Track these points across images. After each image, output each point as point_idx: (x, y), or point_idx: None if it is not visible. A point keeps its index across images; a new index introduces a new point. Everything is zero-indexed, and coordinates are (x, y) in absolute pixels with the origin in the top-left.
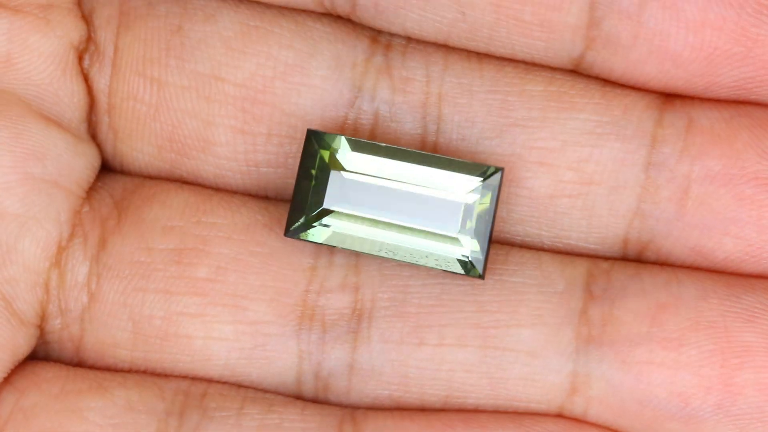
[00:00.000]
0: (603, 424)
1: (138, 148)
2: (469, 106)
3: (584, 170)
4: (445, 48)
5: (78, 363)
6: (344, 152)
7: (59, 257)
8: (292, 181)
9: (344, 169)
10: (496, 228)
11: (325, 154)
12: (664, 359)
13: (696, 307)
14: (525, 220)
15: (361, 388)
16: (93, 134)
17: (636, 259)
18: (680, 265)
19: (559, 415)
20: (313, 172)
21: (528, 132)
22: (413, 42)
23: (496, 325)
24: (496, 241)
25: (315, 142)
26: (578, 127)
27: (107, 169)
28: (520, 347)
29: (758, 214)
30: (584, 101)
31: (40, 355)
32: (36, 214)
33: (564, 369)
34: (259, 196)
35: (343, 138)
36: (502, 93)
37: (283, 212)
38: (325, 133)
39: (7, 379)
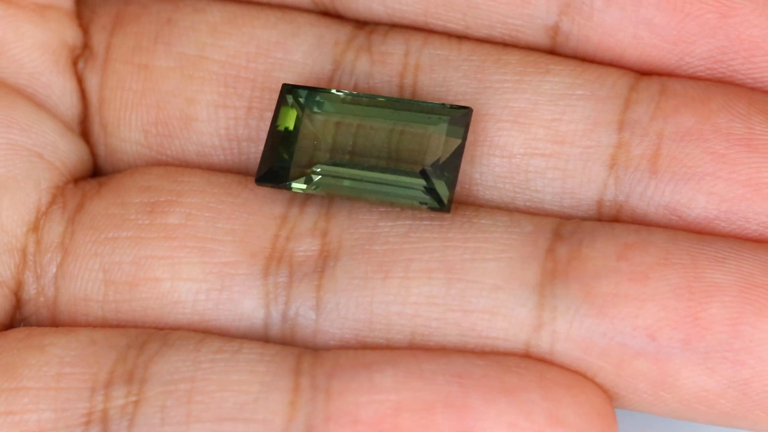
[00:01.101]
0: (571, 365)
1: (126, 138)
2: (444, 72)
3: (557, 129)
4: (426, 31)
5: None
6: (316, 101)
7: (37, 223)
8: None
9: (316, 117)
10: (469, 193)
11: (298, 103)
12: (630, 291)
13: (665, 247)
14: (499, 181)
15: (327, 329)
16: (86, 139)
17: (611, 221)
18: (655, 226)
19: (526, 355)
20: (286, 121)
21: (501, 93)
22: (396, 27)
23: (462, 259)
24: (469, 203)
25: (289, 95)
26: (552, 88)
27: (100, 173)
28: (485, 280)
29: (730, 169)
30: (559, 68)
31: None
32: (16, 176)
33: (529, 302)
34: (241, 174)
35: (315, 90)
36: (479, 60)
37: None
38: (298, 86)
39: None
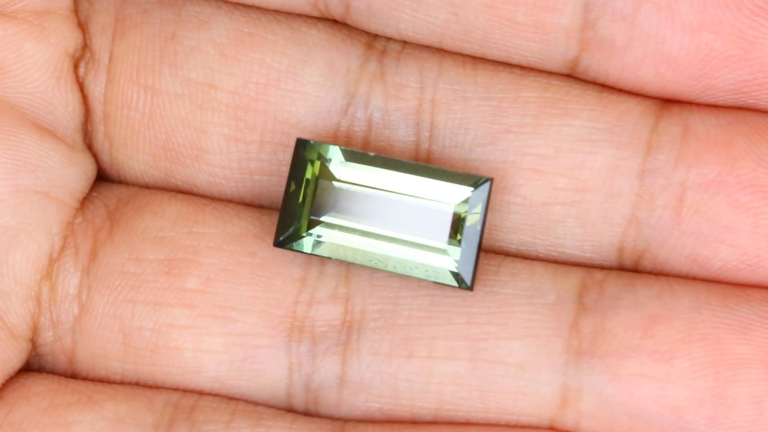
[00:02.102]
0: None
1: (133, 157)
2: (462, 112)
3: (578, 177)
4: (440, 52)
5: (71, 375)
6: (334, 161)
7: (50, 269)
8: None
9: (334, 179)
10: (490, 237)
11: (315, 164)
12: (656, 372)
13: (689, 319)
14: (519, 229)
15: (351, 401)
16: (89, 143)
17: (632, 268)
18: (676, 274)
19: (551, 428)
20: (303, 181)
21: (521, 139)
22: (408, 47)
23: (486, 337)
24: (490, 250)
25: (304, 151)
26: (572, 133)
27: (105, 178)
28: (510, 360)
29: (754, 222)
30: (579, 107)
31: (34, 367)
32: (27, 226)
33: (554, 382)
34: (253, 205)
35: (332, 147)
36: (496, 99)
37: (275, 221)
38: (314, 142)
39: None
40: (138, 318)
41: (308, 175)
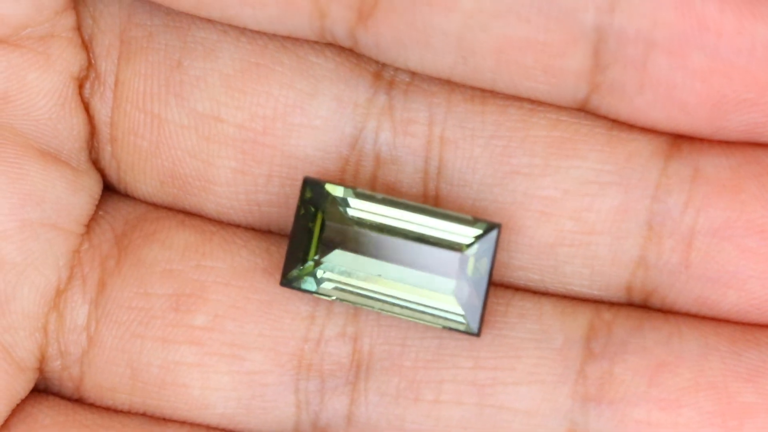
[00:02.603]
0: None
1: (141, 181)
2: (470, 151)
3: (586, 220)
4: (449, 85)
5: (78, 399)
6: (341, 201)
7: (57, 300)
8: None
9: (341, 220)
10: (497, 273)
11: (322, 204)
12: (662, 420)
13: (696, 366)
14: (526, 267)
15: None
16: (95, 160)
17: (641, 304)
18: (685, 313)
19: None
20: (309, 221)
21: (529, 180)
22: (417, 78)
23: (493, 382)
24: (498, 284)
25: (312, 191)
26: (581, 175)
27: (111, 189)
28: (516, 405)
29: (763, 267)
30: (588, 148)
31: (40, 387)
32: (34, 261)
33: (561, 428)
34: (262, 231)
35: (340, 187)
36: (505, 138)
37: (284, 253)
38: (322, 181)
39: (4, 423)
40: (146, 354)
41: (315, 215)
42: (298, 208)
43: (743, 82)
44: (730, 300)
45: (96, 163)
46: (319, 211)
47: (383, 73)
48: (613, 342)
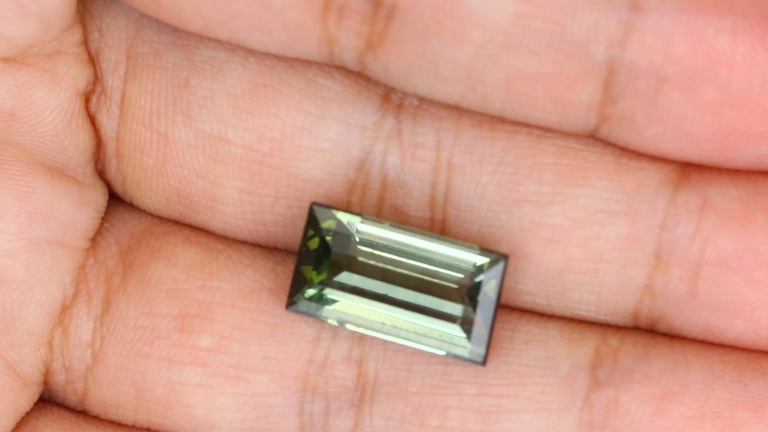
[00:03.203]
0: None
1: (147, 196)
2: (478, 177)
3: (594, 248)
4: (457, 110)
5: (82, 410)
6: (348, 228)
7: (62, 317)
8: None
9: (347, 246)
10: (504, 297)
11: (329, 229)
12: None
13: (702, 395)
14: (533, 293)
15: None
16: (101, 171)
17: (648, 329)
18: (692, 339)
19: None
20: (316, 246)
21: (537, 208)
22: (425, 103)
23: (498, 410)
24: (504, 307)
25: (318, 216)
26: (589, 204)
27: (117, 198)
28: None
29: None
30: (596, 176)
31: (45, 397)
32: (40, 279)
33: None
34: (269, 248)
35: (347, 214)
36: (513, 166)
37: (290, 273)
38: (329, 207)
39: None
40: (150, 374)
41: (322, 240)
42: (305, 232)
43: (754, 116)
44: (736, 329)
45: (102, 175)
46: (325, 236)
47: (391, 96)
48: (619, 370)
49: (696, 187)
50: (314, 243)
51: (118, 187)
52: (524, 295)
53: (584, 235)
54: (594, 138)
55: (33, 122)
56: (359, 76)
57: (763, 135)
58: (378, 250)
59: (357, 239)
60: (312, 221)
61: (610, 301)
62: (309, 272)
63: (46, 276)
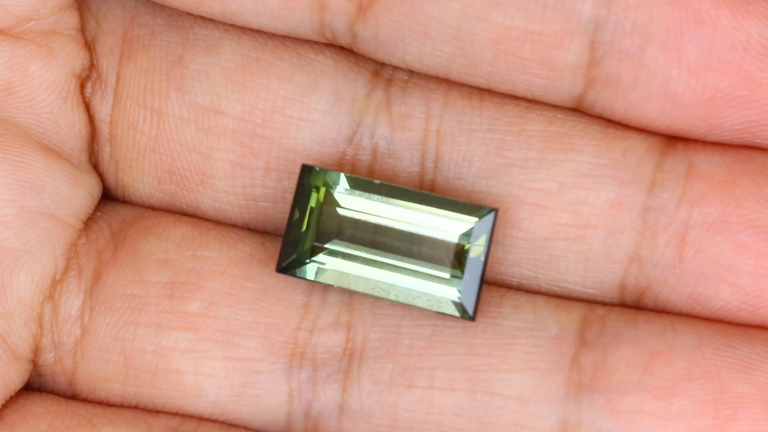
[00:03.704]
0: None
1: (138, 179)
2: (467, 144)
3: (581, 213)
4: (447, 83)
5: (71, 395)
6: (339, 188)
7: (53, 290)
8: None
9: (338, 206)
10: (492, 270)
11: (320, 190)
12: (655, 408)
13: (690, 356)
14: (521, 263)
15: (350, 429)
16: (94, 163)
17: (634, 304)
18: (677, 313)
19: None
20: (307, 207)
21: (525, 173)
22: (415, 76)
23: (486, 369)
24: (492, 283)
25: (309, 178)
26: (576, 169)
27: (110, 197)
28: (509, 392)
29: (755, 262)
30: (583, 142)
31: (34, 386)
32: (32, 248)
33: (553, 416)
34: (258, 231)
35: (338, 174)
36: (501, 132)
37: (279, 247)
38: (320, 168)
39: None
40: (140, 340)
41: (312, 201)
42: (296, 194)
43: (737, 79)
44: (723, 296)
45: (95, 167)
46: (316, 198)
47: (382, 72)
48: (607, 333)
49: (682, 155)
50: (305, 205)
51: (111, 179)
52: (512, 266)
53: (571, 200)
54: (580, 110)
55: (29, 97)
56: (349, 53)
57: (746, 99)
58: (368, 209)
59: (347, 199)
60: (303, 182)
61: (597, 270)
62: (300, 234)
63: (37, 246)
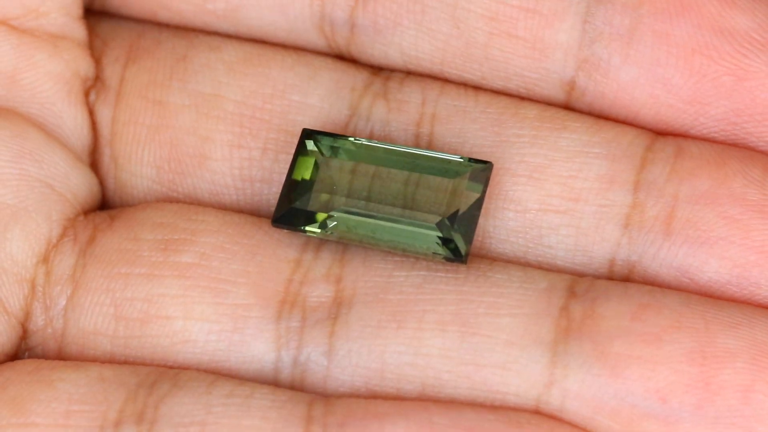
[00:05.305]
0: (580, 423)
1: (137, 173)
2: (461, 124)
3: (572, 186)
4: (442, 80)
5: (60, 359)
6: (335, 147)
7: (48, 254)
8: None
9: (336, 162)
10: (482, 245)
11: (318, 148)
12: (643, 353)
13: (678, 310)
14: (512, 235)
15: (337, 376)
16: (94, 167)
17: (623, 279)
18: (666, 286)
19: (536, 412)
20: (305, 164)
21: (518, 148)
22: (411, 75)
23: (476, 313)
24: (483, 256)
25: (309, 139)
26: (568, 145)
27: (107, 206)
28: (498, 335)
29: (743, 234)
30: (576, 124)
31: (23, 356)
32: (28, 206)
33: (542, 359)
34: (253, 215)
35: (335, 135)
36: (496, 113)
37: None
38: (318, 131)
39: None
40: (130, 289)
41: (310, 158)
42: (295, 152)
43: (723, 64)
44: (711, 268)
45: (95, 171)
46: (314, 155)
47: (379, 73)
48: (596, 288)
49: (671, 140)
50: (303, 163)
51: (110, 182)
52: (503, 241)
53: (563, 173)
54: (569, 107)
55: (33, 86)
56: (347, 60)
57: (732, 86)
58: (365, 166)
59: (344, 155)
60: (303, 144)
61: (587, 243)
62: (296, 189)
63: (33, 205)
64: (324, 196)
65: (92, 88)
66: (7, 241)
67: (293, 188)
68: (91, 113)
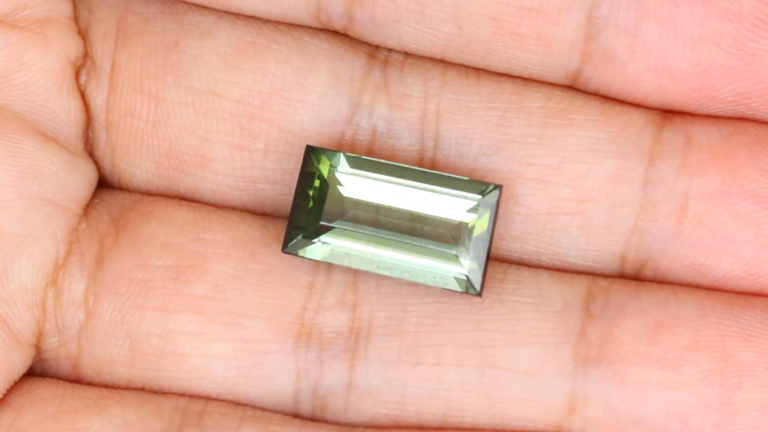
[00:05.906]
0: None
1: (136, 165)
2: (467, 122)
3: (582, 187)
4: (443, 63)
5: (75, 380)
6: (343, 169)
7: (55, 275)
8: (290, 197)
9: (342, 186)
10: (494, 245)
11: (324, 171)
12: (662, 379)
13: (694, 327)
14: (523, 238)
15: (358, 407)
16: (90, 151)
17: (634, 276)
18: (678, 283)
19: None
20: (311, 188)
21: (526, 149)
22: (411, 57)
23: (494, 344)
24: (494, 258)
25: (313, 159)
26: (576, 143)
27: (105, 185)
28: (518, 366)
29: (756, 231)
30: (582, 117)
31: (37, 371)
32: (33, 232)
33: (562, 389)
34: (257, 213)
35: (341, 154)
36: (500, 109)
37: (281, 229)
38: (323, 149)
39: (3, 398)
40: (146, 324)
41: (317, 182)
42: (300, 175)
43: (731, 50)
44: (724, 266)
45: (91, 155)
46: (321, 178)
47: (377, 54)
48: (611, 305)
49: (679, 127)
50: (309, 185)
51: (107, 167)
52: (513, 241)
53: (572, 174)
54: (576, 88)
55: (25, 84)
56: (344, 37)
57: (740, 71)
58: (373, 188)
59: (352, 180)
60: (307, 163)
61: (599, 243)
62: (305, 215)
63: (38, 230)
64: (333, 221)
65: (82, 66)
66: (15, 271)
67: (300, 214)
68: (83, 95)
